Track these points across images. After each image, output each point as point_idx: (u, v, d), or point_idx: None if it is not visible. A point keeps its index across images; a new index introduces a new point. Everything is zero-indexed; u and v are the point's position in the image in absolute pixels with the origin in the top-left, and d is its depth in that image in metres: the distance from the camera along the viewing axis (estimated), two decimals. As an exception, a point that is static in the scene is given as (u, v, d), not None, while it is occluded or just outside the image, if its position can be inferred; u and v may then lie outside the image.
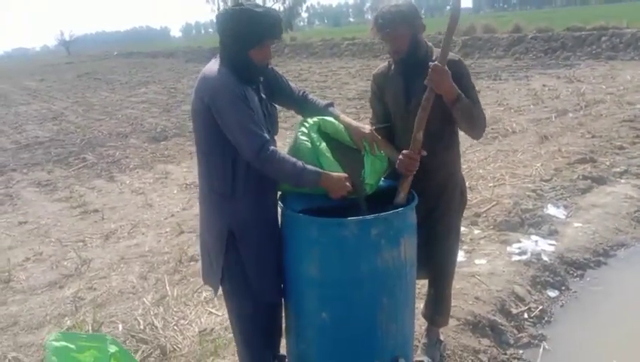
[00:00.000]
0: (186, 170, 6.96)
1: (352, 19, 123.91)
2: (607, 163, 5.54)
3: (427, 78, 2.09)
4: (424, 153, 2.17)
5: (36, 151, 9.28)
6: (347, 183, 2.03)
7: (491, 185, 5.25)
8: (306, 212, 2.05)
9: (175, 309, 3.40)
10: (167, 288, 3.69)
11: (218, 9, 43.52)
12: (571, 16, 23.81)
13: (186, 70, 24.80)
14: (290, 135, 2.32)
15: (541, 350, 2.84)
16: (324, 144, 2.07)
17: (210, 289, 2.34)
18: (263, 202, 2.11)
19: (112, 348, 1.91)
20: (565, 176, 5.29)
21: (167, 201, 5.78)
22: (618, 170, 5.21)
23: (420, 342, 2.67)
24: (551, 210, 4.41)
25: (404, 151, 2.17)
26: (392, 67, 2.40)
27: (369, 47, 23.59)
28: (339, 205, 2.06)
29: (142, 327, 3.19)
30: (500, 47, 18.58)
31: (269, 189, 2.13)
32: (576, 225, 4.13)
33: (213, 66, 2.03)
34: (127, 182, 6.75)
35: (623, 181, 4.97)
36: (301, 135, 2.10)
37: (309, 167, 2.00)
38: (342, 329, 2.04)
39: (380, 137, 2.19)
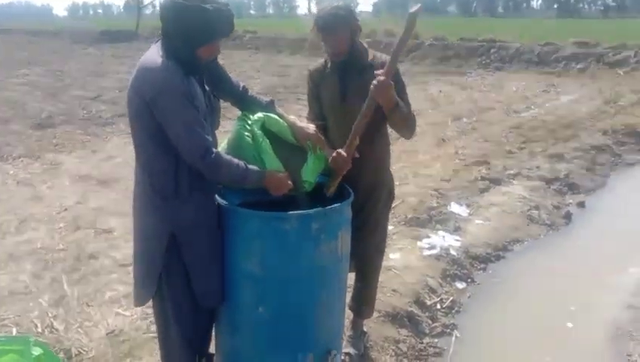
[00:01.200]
0: (79, 161, 6.44)
1: (253, 12, 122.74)
2: (501, 166, 6.00)
3: (371, 89, 2.12)
4: (357, 155, 2.22)
5: None
6: (288, 182, 2.02)
7: (397, 183, 5.44)
8: (246, 206, 2.01)
9: (77, 310, 3.12)
10: (66, 288, 3.38)
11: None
12: (462, 27, 25.58)
13: (73, 52, 22.97)
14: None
15: (453, 338, 3.02)
16: (266, 141, 2.03)
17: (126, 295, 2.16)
18: (208, 201, 2.02)
19: (36, 351, 1.70)
20: (463, 176, 5.64)
21: (59, 194, 5.29)
22: (511, 172, 5.68)
23: (345, 334, 2.70)
24: (454, 207, 4.68)
25: (338, 151, 2.20)
26: (329, 65, 2.42)
27: (273, 42, 23.56)
28: (276, 199, 2.04)
29: (40, 330, 2.89)
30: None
31: (213, 187, 2.03)
32: (477, 222, 4.43)
33: (154, 57, 1.85)
34: (11, 172, 6.07)
35: (515, 182, 5.43)
36: (242, 130, 2.05)
37: (252, 167, 1.96)
38: (279, 323, 2.02)
39: (323, 138, 2.20)
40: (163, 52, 1.86)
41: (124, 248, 3.88)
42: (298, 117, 3.99)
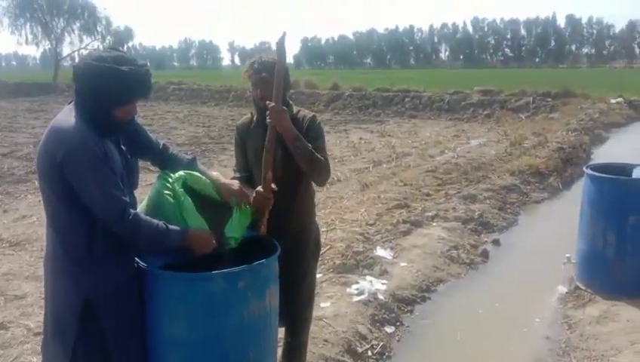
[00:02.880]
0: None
1: (176, 64, 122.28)
2: (420, 208, 6.28)
3: (267, 117, 2.24)
4: (275, 188, 2.27)
5: None
6: (212, 240, 2.00)
7: (324, 229, 5.54)
8: (168, 267, 1.95)
9: (-15, 389, 2.86)
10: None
11: (26, 42, 39.37)
12: (379, 78, 26.99)
13: (-16, 107, 21.65)
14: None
15: (385, 385, 3.05)
16: (188, 199, 2.01)
17: None
18: (126, 264, 1.95)
19: None
20: (386, 220, 5.84)
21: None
22: (430, 214, 5.96)
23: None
24: (379, 251, 4.82)
25: (257, 189, 2.26)
26: (254, 119, 2.49)
27: (197, 93, 23.54)
28: (201, 259, 2.01)
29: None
30: (321, 102, 20.14)
31: (131, 249, 1.96)
32: (402, 264, 4.58)
33: (67, 118, 1.82)
34: None
35: (434, 224, 5.69)
36: (163, 188, 2.02)
37: (173, 227, 1.92)
38: (208, 387, 1.94)
39: (247, 193, 2.23)
40: (76, 113, 1.83)
41: (38, 315, 3.63)
42: (224, 167, 3.99)
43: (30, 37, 38.93)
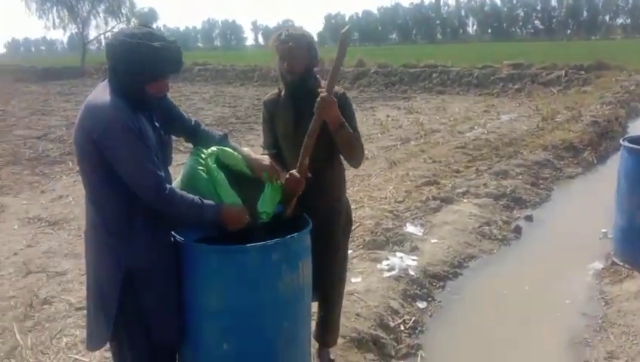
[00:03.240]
0: (27, 203, 6.20)
1: (200, 45, 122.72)
2: (450, 185, 6.22)
3: (315, 106, 2.20)
4: (310, 176, 2.27)
5: None
6: (246, 215, 2.02)
7: (353, 207, 5.55)
8: (203, 241, 1.98)
9: (32, 360, 2.98)
10: (18, 337, 3.23)
11: (53, 26, 39.97)
12: (405, 54, 26.53)
13: (15, 91, 22.17)
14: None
15: (419, 359, 3.08)
16: (222, 174, 2.04)
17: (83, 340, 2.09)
18: (163, 239, 1.99)
19: None
20: (415, 197, 5.81)
21: (6, 238, 5.07)
22: (460, 190, 5.89)
23: (312, 363, 2.71)
24: (409, 228, 4.80)
25: (290, 172, 2.25)
26: (282, 94, 2.47)
27: (222, 74, 23.61)
28: (234, 233, 2.04)
29: (-8, 386, 2.75)
30: (346, 79, 19.93)
31: (169, 224, 2.00)
32: (432, 241, 4.56)
33: (102, 95, 1.85)
34: (-47, 218, 5.79)
35: (465, 200, 5.63)
36: (196, 164, 2.05)
37: (208, 202, 1.95)
38: (244, 358, 1.99)
39: (278, 168, 2.24)
40: (110, 90, 1.85)
41: (78, 291, 3.76)
42: (251, 147, 4.03)
43: (57, 21, 39.43)
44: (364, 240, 4.49)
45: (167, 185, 1.88)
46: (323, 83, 2.47)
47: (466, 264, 4.28)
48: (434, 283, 3.92)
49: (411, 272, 3.89)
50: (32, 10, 39.11)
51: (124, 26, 39.71)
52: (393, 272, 3.84)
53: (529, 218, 5.38)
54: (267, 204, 2.14)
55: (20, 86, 24.48)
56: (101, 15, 40.30)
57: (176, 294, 2.02)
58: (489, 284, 4.02)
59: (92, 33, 41.10)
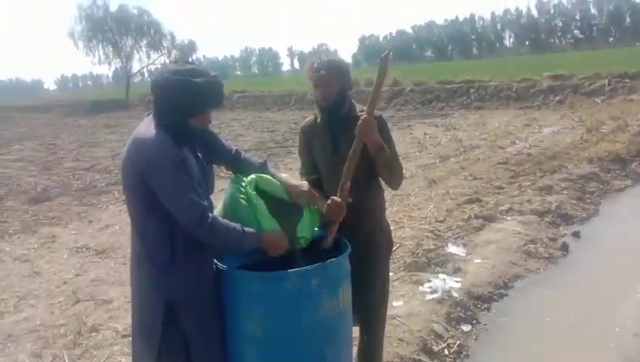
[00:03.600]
0: (76, 233, 6.44)
1: (239, 73, 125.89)
2: (492, 202, 6.07)
3: (357, 128, 2.23)
4: (350, 200, 2.26)
5: None
6: (285, 241, 2.04)
7: (393, 228, 5.47)
8: (244, 267, 2.01)
9: (81, 387, 3.06)
10: (68, 364, 3.33)
11: (99, 62, 41.93)
12: (441, 71, 26.36)
13: (65, 125, 23.34)
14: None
15: (465, 384, 2.98)
16: (261, 201, 2.07)
17: None
18: (205, 268, 2.02)
19: None
20: (457, 216, 5.69)
21: (57, 268, 5.26)
22: (503, 208, 5.75)
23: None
24: (451, 248, 4.71)
25: (332, 198, 2.25)
26: (319, 120, 2.49)
27: (260, 100, 24.07)
28: (274, 258, 2.06)
29: (44, 413, 2.82)
30: (382, 99, 19.94)
31: (210, 253, 2.05)
32: (476, 261, 4.45)
33: (147, 129, 1.93)
34: (8, 249, 6.05)
35: (509, 218, 5.48)
36: (237, 192, 2.09)
37: (248, 229, 1.98)
38: (286, 385, 1.98)
39: (317, 194, 2.24)
40: (155, 124, 1.93)
41: (124, 318, 3.84)
42: (289, 170, 4.05)
43: (103, 57, 41.43)
44: (405, 261, 4.42)
45: (210, 214, 1.93)
46: (358, 107, 2.49)
47: (511, 284, 4.14)
48: (478, 305, 3.80)
49: (455, 294, 3.79)
50: (80, 48, 41.24)
51: (166, 58, 41.41)
52: (436, 295, 3.76)
53: (576, 234, 5.18)
54: (305, 230, 2.15)
55: (69, 120, 25.73)
56: (143, 49, 42.13)
57: (218, 322, 2.04)
58: (537, 305, 3.87)
59: (135, 66, 42.93)
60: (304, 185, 2.23)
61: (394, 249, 4.73)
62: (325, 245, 2.23)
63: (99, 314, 4.08)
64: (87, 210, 7.58)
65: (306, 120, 2.61)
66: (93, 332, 3.76)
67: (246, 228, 1.98)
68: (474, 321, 3.61)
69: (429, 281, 3.97)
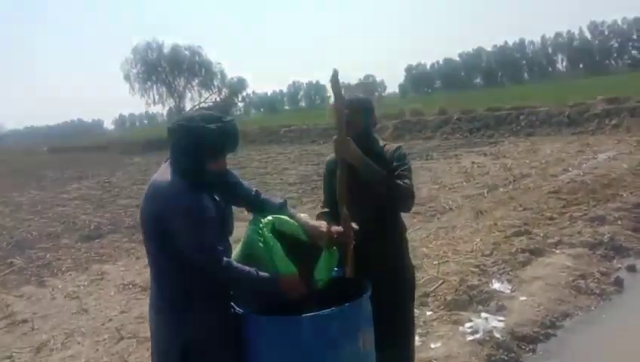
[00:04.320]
0: (124, 269, 6.64)
1: (287, 107, 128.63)
2: (541, 234, 5.80)
3: (334, 150, 2.32)
4: (355, 226, 2.25)
5: (-43, 257, 8.58)
6: (302, 285, 2.02)
7: (436, 263, 5.34)
8: (263, 309, 2.00)
9: None
10: (108, 404, 3.38)
11: (153, 102, 44.02)
12: (490, 98, 25.92)
13: (120, 163, 24.43)
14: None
15: None
16: (278, 244, 2.05)
17: None
18: (220, 308, 2.03)
19: None
20: (504, 249, 5.47)
21: (104, 305, 5.43)
22: (552, 240, 5.47)
23: None
24: (496, 285, 4.51)
25: (333, 228, 2.23)
26: None
27: (306, 133, 24.41)
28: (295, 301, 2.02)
29: None
30: (428, 128, 19.79)
31: (226, 297, 2.05)
32: (521, 298, 4.22)
33: (164, 176, 1.97)
34: (60, 286, 6.31)
35: (557, 251, 5.21)
36: (254, 234, 2.09)
37: (263, 274, 1.98)
38: None
39: (335, 235, 2.22)
40: (172, 170, 1.97)
41: (164, 357, 3.88)
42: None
43: (157, 97, 43.57)
44: (445, 299, 4.27)
45: (225, 259, 1.93)
46: (381, 142, 2.52)
47: (559, 323, 3.88)
48: (523, 346, 3.58)
49: (497, 335, 3.60)
50: (136, 90, 43.52)
51: (217, 96, 42.97)
52: (477, 335, 3.59)
53: (631, 268, 4.83)
54: (323, 272, 2.12)
55: (124, 158, 26.94)
56: (195, 88, 43.95)
57: None
58: (587, 346, 3.61)
59: (188, 105, 44.79)
60: (323, 225, 2.21)
61: (437, 286, 4.62)
62: (347, 275, 2.22)
63: (140, 352, 4.14)
64: (136, 247, 7.80)
65: (331, 154, 2.61)
66: (133, 371, 3.81)
67: (261, 273, 1.97)
68: (517, 364, 3.41)
69: (470, 321, 3.80)
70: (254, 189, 2.31)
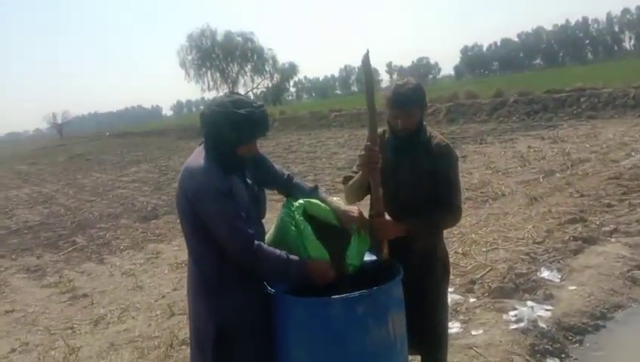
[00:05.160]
0: (177, 249, 6.89)
1: (338, 92, 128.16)
2: (597, 222, 5.56)
3: (374, 230, 2.22)
4: (387, 217, 2.23)
5: (26, 235, 9.20)
6: (331, 270, 2.03)
7: (485, 249, 5.23)
8: (296, 290, 2.02)
9: (167, 398, 3.25)
10: (158, 375, 3.56)
11: (208, 88, 45.01)
12: (549, 79, 24.76)
13: (177, 147, 25.21)
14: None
15: (547, 425, 2.72)
16: (309, 228, 2.07)
17: None
18: (254, 289, 2.08)
19: None
20: (557, 237, 5.29)
21: (157, 282, 5.68)
22: (607, 228, 5.23)
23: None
24: (545, 273, 4.37)
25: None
26: (386, 136, 2.47)
27: (356, 118, 24.26)
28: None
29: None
30: (483, 111, 19.16)
31: (259, 277, 2.09)
32: (571, 288, 4.08)
33: (197, 159, 2.03)
34: (118, 264, 6.66)
35: (613, 240, 4.97)
36: (286, 217, 2.12)
37: (293, 258, 2.00)
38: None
39: (366, 219, 2.22)
40: (205, 154, 2.03)
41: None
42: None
43: (211, 83, 44.50)
44: (490, 287, 4.18)
45: (256, 242, 1.97)
46: (428, 130, 2.44)
47: (610, 315, 3.72)
48: (569, 337, 3.46)
49: (542, 324, 3.49)
50: (191, 77, 44.61)
51: (269, 82, 43.37)
52: (521, 324, 3.50)
53: (695, 260, 4.55)
54: (354, 257, 2.12)
55: (181, 143, 27.74)
56: (248, 74, 44.56)
57: (268, 346, 2.08)
58: (639, 340, 3.45)
59: (241, 90, 45.49)
60: (354, 210, 2.20)
61: (484, 272, 4.53)
62: (380, 261, 2.22)
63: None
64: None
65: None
66: (184, 346, 3.97)
67: (291, 256, 2.00)
68: (562, 355, 3.29)
69: (515, 309, 3.71)
70: (287, 173, 2.34)
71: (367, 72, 2.22)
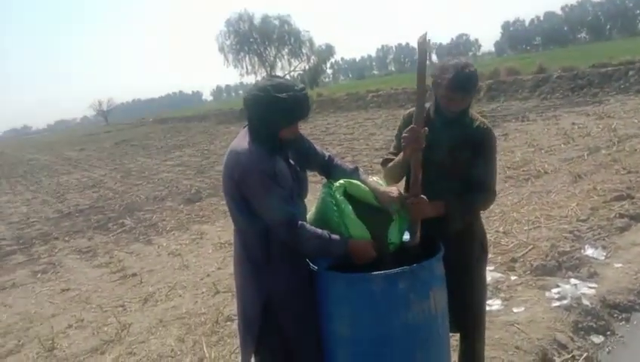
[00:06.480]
0: (220, 230, 7.09)
1: (375, 72, 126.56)
2: (645, 199, 5.39)
3: (409, 213, 2.21)
4: (423, 197, 2.22)
5: (77, 218, 9.65)
6: (372, 250, 2.08)
7: (527, 228, 5.17)
8: (338, 267, 2.07)
9: (214, 371, 3.40)
10: (205, 350, 3.71)
11: (246, 72, 45.30)
12: (595, 53, 23.74)
13: (218, 132, 25.68)
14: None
15: (591, 401, 2.72)
16: (349, 207, 2.12)
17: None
18: (299, 269, 2.15)
19: None
20: (602, 215, 5.16)
21: (202, 261, 5.88)
22: (657, 206, 5.07)
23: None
24: (589, 251, 4.29)
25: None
26: (432, 115, 2.41)
27: (393, 98, 24.00)
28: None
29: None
30: (525, 88, 18.61)
31: (303, 256, 2.17)
32: (616, 265, 4.00)
33: (242, 142, 2.10)
34: (164, 244, 6.92)
35: (662, 217, 4.82)
36: (327, 197, 2.17)
37: (335, 237, 2.06)
38: (378, 387, 2.00)
39: (405, 199, 2.24)
40: (249, 136, 2.10)
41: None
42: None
43: (249, 67, 44.75)
44: (532, 265, 4.14)
45: (299, 221, 2.04)
46: (471, 112, 2.40)
47: (659, 293, 3.65)
48: (615, 315, 3.41)
49: (585, 302, 3.45)
50: (230, 61, 44.98)
51: (306, 64, 43.21)
52: (564, 301, 3.46)
53: None
54: (395, 235, 2.16)
55: (221, 127, 28.20)
56: (285, 57, 44.56)
57: (312, 320, 2.15)
58: (691, 318, 3.37)
59: (279, 74, 45.61)
60: (393, 190, 2.23)
61: (526, 251, 4.48)
62: (412, 243, 2.22)
63: (235, 306, 4.44)
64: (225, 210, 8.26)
65: (411, 109, 2.52)
66: (229, 322, 4.13)
67: (332, 236, 2.05)
68: (608, 332, 3.26)
69: (558, 286, 3.67)
70: (327, 154, 2.38)
71: (421, 55, 2.16)
